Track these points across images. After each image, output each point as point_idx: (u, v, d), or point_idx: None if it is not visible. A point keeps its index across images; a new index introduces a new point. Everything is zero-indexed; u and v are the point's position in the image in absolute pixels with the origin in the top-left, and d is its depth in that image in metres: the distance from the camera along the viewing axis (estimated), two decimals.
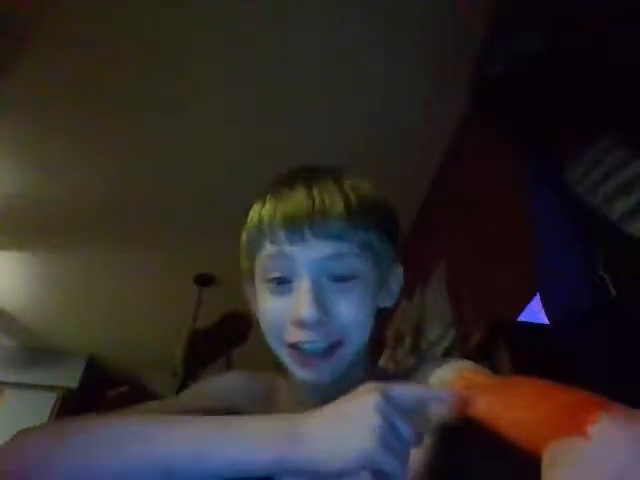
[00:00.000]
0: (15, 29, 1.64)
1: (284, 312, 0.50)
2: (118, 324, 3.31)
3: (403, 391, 0.42)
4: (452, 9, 1.53)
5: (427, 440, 0.50)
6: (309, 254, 0.49)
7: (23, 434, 0.48)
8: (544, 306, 0.89)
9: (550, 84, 0.89)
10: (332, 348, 0.49)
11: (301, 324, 0.48)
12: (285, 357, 0.52)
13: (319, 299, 0.48)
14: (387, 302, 0.57)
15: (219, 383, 0.63)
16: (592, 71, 0.85)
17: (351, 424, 0.39)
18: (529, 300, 1.20)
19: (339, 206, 0.50)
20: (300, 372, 0.51)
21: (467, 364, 0.52)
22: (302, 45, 1.70)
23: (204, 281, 2.87)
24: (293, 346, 0.50)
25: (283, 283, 0.51)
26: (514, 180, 1.22)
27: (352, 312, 0.50)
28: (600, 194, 0.81)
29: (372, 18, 1.60)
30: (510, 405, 0.41)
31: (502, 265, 1.43)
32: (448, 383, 0.49)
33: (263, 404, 0.59)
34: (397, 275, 0.59)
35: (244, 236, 0.57)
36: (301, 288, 0.49)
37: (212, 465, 0.40)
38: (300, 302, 0.48)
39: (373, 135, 2.01)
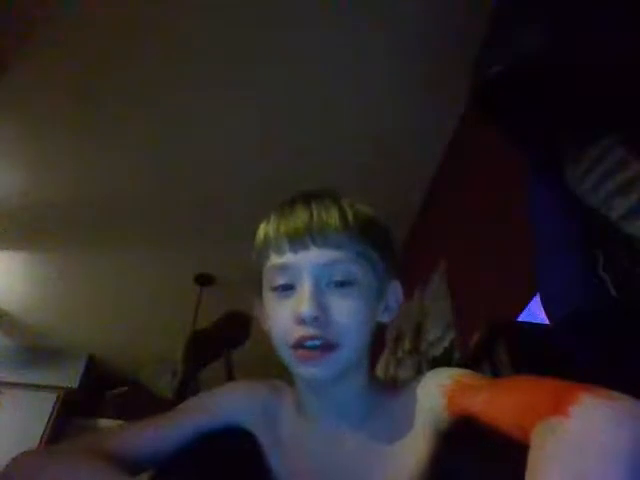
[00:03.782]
0: (15, 29, 1.64)
1: (288, 314, 0.52)
2: (118, 324, 3.32)
3: None
4: (452, 10, 1.54)
5: (426, 444, 0.51)
6: (310, 261, 0.53)
7: (20, 457, 0.53)
8: (544, 306, 0.89)
9: (550, 83, 0.89)
10: (330, 347, 0.51)
11: (301, 320, 0.51)
12: (289, 359, 0.53)
13: (318, 299, 0.51)
14: (385, 317, 0.59)
15: (222, 399, 0.63)
16: (593, 70, 0.85)
17: None
18: (529, 300, 1.20)
19: (336, 218, 0.55)
20: (302, 369, 0.52)
21: (462, 371, 0.55)
22: (302, 46, 1.70)
23: (204, 281, 2.87)
24: (295, 347, 0.52)
25: (287, 289, 0.54)
26: (514, 180, 1.23)
27: (350, 316, 0.52)
28: (600, 194, 0.81)
29: (372, 19, 1.60)
30: (502, 399, 0.44)
31: (502, 265, 1.43)
32: (444, 387, 0.51)
33: (265, 418, 0.61)
34: (395, 290, 0.61)
35: (252, 254, 0.60)
36: (302, 290, 0.52)
37: None
38: (300, 301, 0.51)
39: (374, 135, 2.01)
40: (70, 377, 3.51)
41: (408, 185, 2.21)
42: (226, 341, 2.34)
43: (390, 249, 0.60)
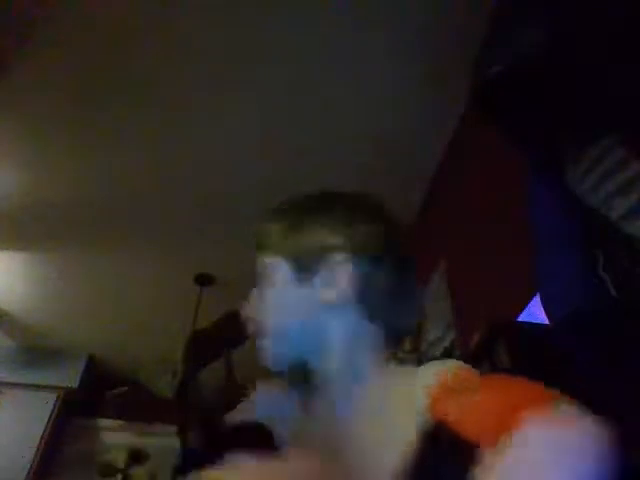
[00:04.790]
0: (15, 29, 1.64)
1: None
2: (118, 324, 3.31)
3: None
4: (452, 10, 1.54)
5: (410, 445, 0.51)
6: None
7: None
8: (544, 306, 0.89)
9: (550, 83, 0.89)
10: None
11: None
12: None
13: None
14: None
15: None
16: (593, 70, 0.85)
17: None
18: (529, 300, 1.20)
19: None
20: None
21: (448, 367, 0.54)
22: (302, 46, 1.70)
23: (204, 281, 2.86)
24: None
25: None
26: (514, 180, 1.22)
27: None
28: (600, 194, 0.81)
29: (372, 19, 1.60)
30: (469, 412, 0.44)
31: (502, 265, 1.43)
32: (428, 388, 0.51)
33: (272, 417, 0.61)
34: None
35: (255, 254, 0.62)
36: None
37: None
38: None
39: (374, 135, 2.01)
40: (70, 377, 3.50)
41: (408, 185, 2.21)
42: (226, 341, 2.33)
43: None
